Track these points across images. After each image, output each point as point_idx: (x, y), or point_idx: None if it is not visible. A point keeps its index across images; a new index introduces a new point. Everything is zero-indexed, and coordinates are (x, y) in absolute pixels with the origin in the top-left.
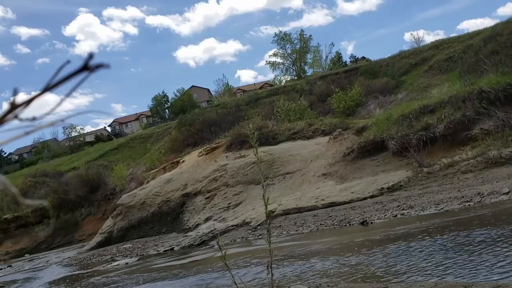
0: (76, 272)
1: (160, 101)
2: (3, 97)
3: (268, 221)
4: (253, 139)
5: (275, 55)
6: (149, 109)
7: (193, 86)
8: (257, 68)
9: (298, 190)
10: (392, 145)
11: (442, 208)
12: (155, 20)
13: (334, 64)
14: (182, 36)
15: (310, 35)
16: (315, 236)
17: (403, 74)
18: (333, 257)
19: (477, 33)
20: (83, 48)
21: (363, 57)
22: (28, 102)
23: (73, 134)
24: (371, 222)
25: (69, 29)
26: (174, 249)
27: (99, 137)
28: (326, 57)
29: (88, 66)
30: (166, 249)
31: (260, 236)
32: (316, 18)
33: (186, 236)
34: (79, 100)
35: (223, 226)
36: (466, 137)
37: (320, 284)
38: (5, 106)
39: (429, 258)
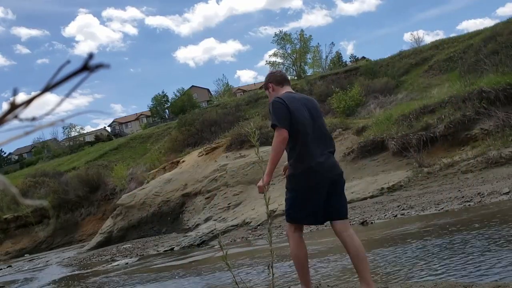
0: (76, 272)
1: (160, 101)
2: (3, 97)
3: (269, 221)
4: (254, 138)
5: (275, 55)
6: (149, 109)
7: (193, 86)
8: (257, 68)
9: None
10: (392, 145)
11: (442, 208)
12: (154, 21)
13: (334, 64)
14: (181, 37)
15: (310, 35)
16: (315, 236)
17: (403, 74)
18: (333, 257)
19: (477, 33)
20: (83, 48)
21: (363, 57)
22: (28, 102)
23: (73, 134)
24: (371, 222)
25: (69, 30)
26: (174, 249)
27: (99, 137)
28: (326, 57)
29: (88, 66)
30: (166, 249)
31: (260, 236)
32: (315, 19)
33: (186, 236)
34: (79, 100)
35: (223, 226)
36: (466, 137)
37: (320, 284)
38: (5, 106)
39: (429, 258)
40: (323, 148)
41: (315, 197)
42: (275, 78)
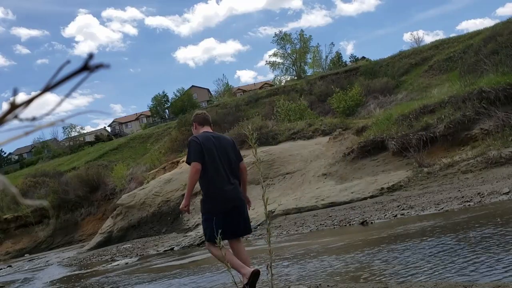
0: (76, 272)
1: (160, 101)
2: (3, 97)
3: (268, 221)
4: (251, 140)
5: (275, 55)
6: (149, 109)
7: (193, 86)
8: (257, 68)
9: (298, 190)
10: (392, 145)
11: (442, 208)
12: (154, 21)
13: (334, 64)
14: (181, 37)
15: (310, 35)
16: (315, 236)
17: (403, 74)
18: (333, 257)
19: (477, 33)
20: (82, 49)
21: (363, 57)
22: (28, 102)
23: (73, 134)
24: (371, 222)
25: (68, 30)
26: (174, 249)
27: (99, 137)
28: (326, 57)
29: (88, 66)
30: (166, 249)
31: (259, 236)
32: (314, 19)
33: (186, 236)
34: (79, 100)
35: None
36: (466, 137)
37: (320, 284)
38: (5, 106)
39: (429, 258)
40: (229, 179)
41: (221, 219)
42: (198, 119)
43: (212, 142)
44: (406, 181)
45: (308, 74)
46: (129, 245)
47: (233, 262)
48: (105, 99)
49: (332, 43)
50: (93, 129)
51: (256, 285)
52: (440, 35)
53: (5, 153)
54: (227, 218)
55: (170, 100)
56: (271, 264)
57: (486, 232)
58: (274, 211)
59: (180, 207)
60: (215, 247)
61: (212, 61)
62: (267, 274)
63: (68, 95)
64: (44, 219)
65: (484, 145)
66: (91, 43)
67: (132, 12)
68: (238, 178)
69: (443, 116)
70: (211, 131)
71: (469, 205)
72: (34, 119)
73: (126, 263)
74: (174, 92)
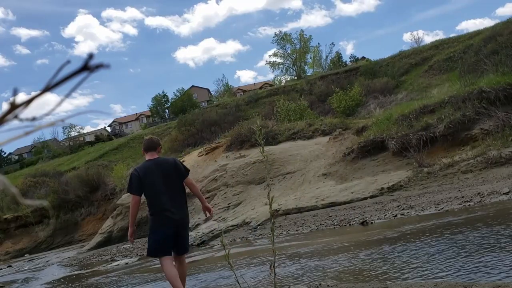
0: (76, 272)
1: (160, 101)
2: (3, 97)
3: (272, 221)
4: (259, 137)
5: (275, 55)
6: (149, 109)
7: (193, 86)
8: (257, 68)
9: (298, 190)
10: (392, 145)
11: (442, 208)
12: (154, 21)
13: (334, 64)
14: (181, 37)
15: (310, 35)
16: (315, 236)
17: (403, 74)
18: (333, 257)
19: (477, 33)
20: (82, 49)
21: (363, 57)
22: (28, 102)
23: (73, 134)
24: (371, 222)
25: (68, 30)
26: None
27: (99, 137)
28: (326, 57)
29: (88, 66)
30: None
31: (260, 236)
32: (314, 19)
33: None
34: (79, 100)
35: (223, 226)
36: (466, 137)
37: (320, 284)
38: (5, 106)
39: (429, 258)
40: (171, 202)
41: (164, 238)
42: (144, 146)
43: (152, 171)
44: (406, 181)
45: (308, 74)
46: (129, 245)
47: (175, 284)
48: (105, 99)
49: (332, 43)
50: (93, 129)
51: (258, 283)
52: (440, 35)
53: (5, 153)
54: (168, 237)
55: (170, 100)
56: (274, 263)
57: (486, 232)
58: (279, 210)
59: (129, 238)
60: (165, 263)
61: (212, 61)
62: (270, 273)
63: (68, 95)
64: (44, 219)
65: (484, 145)
66: (91, 43)
67: (132, 12)
68: (184, 198)
69: (443, 116)
70: (155, 156)
71: (469, 205)
72: (34, 119)
73: (126, 263)
74: (174, 92)
